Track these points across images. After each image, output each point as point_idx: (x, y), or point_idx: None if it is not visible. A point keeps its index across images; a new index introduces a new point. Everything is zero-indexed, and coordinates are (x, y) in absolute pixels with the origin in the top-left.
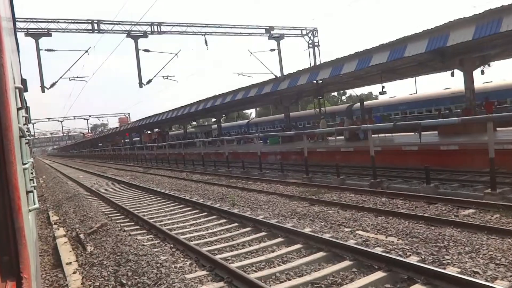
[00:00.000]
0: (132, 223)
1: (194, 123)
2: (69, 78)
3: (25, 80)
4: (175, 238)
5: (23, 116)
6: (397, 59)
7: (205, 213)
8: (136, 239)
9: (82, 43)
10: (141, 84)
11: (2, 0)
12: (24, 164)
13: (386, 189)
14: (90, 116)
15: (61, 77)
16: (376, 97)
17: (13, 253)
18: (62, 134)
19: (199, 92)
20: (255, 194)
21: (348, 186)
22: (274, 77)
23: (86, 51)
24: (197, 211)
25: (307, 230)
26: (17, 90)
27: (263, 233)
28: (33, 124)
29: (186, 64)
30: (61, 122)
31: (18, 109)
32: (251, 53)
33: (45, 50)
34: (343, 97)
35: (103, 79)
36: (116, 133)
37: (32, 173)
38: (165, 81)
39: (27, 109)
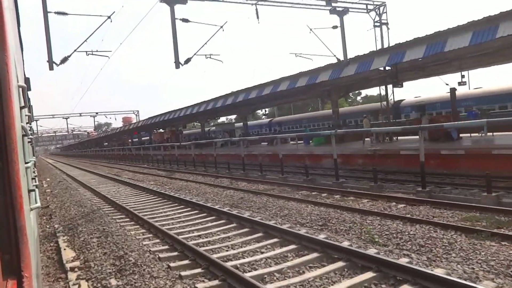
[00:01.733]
0: None
1: (196, 123)
2: (86, 52)
3: (28, 78)
4: None
5: (26, 115)
6: None
7: (375, 275)
8: None
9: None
10: (177, 63)
11: None
12: (26, 162)
13: None
14: (97, 113)
15: (75, 50)
16: (384, 98)
17: (14, 251)
18: (67, 132)
19: (238, 80)
20: (382, 220)
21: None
22: (332, 61)
23: (109, 17)
24: (341, 265)
25: None
26: (20, 89)
27: None
28: (36, 120)
29: (232, 41)
30: (66, 119)
31: (21, 108)
32: (310, 29)
33: (55, 13)
34: (358, 97)
35: (110, 73)
36: (124, 132)
37: (34, 171)
38: (200, 65)
39: (30, 108)
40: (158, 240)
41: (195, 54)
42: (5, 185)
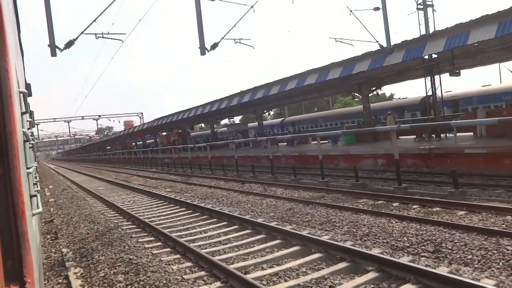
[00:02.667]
0: None
1: (201, 125)
2: (95, 34)
3: (29, 84)
4: None
5: (27, 121)
6: None
7: None
8: None
9: None
10: (203, 49)
11: (7, 4)
12: (28, 168)
13: None
14: (100, 116)
15: (82, 32)
16: (391, 98)
17: (17, 257)
18: (69, 136)
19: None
20: None
21: None
22: (373, 49)
23: None
24: None
25: None
26: (21, 95)
27: None
28: (37, 125)
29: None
30: (68, 122)
31: (22, 113)
32: (351, 11)
33: None
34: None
35: (115, 72)
36: (128, 135)
37: (35, 177)
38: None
39: (31, 114)
40: (219, 284)
41: (223, 38)
42: (7, 191)
